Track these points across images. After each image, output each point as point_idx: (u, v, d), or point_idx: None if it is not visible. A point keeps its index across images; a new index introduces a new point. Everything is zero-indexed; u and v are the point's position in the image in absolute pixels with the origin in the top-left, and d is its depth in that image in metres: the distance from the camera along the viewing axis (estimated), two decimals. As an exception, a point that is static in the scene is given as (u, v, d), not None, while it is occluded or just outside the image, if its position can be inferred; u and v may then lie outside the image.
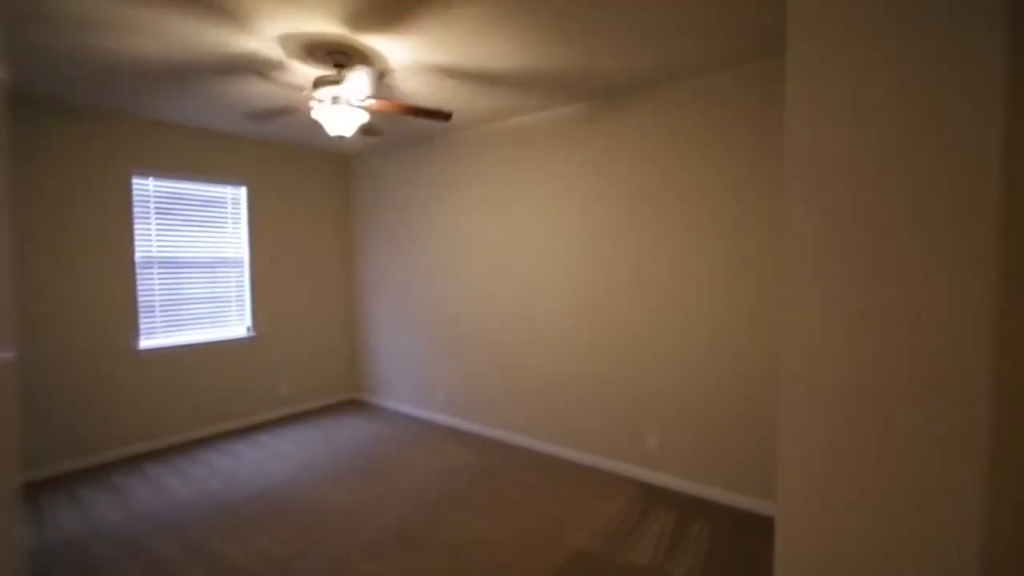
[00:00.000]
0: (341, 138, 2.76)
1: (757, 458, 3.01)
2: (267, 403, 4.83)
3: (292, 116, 3.81)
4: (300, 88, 3.12)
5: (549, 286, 3.87)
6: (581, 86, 3.25)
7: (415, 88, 3.25)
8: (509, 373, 4.17)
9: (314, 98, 2.78)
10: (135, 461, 3.86)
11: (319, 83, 2.66)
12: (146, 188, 4.05)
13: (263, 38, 2.54)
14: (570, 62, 2.85)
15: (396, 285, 5.03)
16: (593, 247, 3.62)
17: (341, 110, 2.74)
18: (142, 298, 4.05)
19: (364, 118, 2.83)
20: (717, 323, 3.11)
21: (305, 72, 2.92)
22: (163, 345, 4.14)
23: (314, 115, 2.73)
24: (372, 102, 2.83)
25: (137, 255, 4.00)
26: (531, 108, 3.72)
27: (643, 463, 3.47)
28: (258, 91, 3.27)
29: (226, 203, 4.53)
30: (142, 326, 4.05)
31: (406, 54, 2.74)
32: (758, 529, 2.84)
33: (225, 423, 4.52)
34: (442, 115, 2.99)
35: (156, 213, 4.12)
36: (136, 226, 3.99)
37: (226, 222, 4.54)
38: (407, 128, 4.25)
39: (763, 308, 2.94)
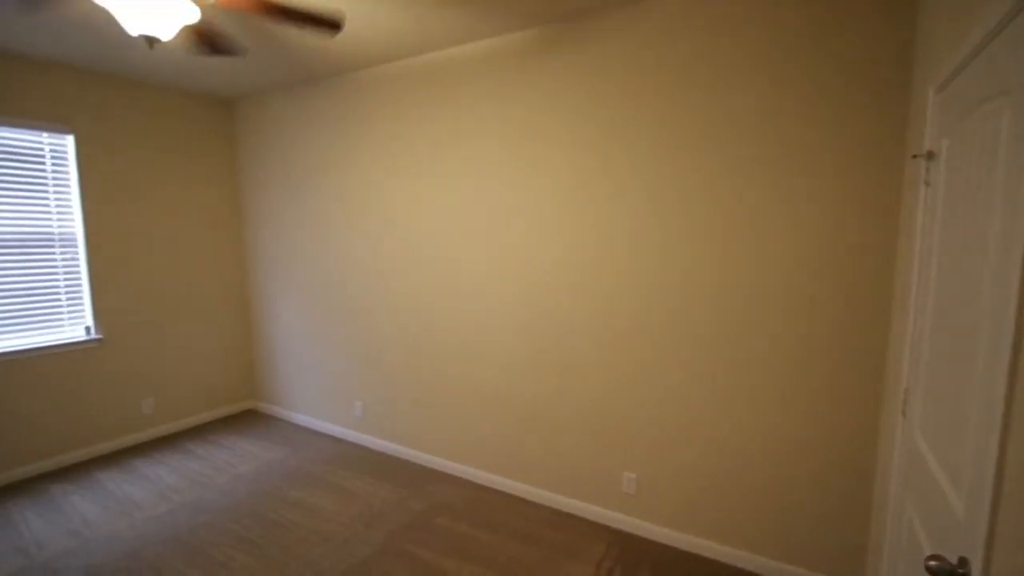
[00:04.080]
0: (152, 45, 1.65)
1: (760, 505, 2.28)
2: (124, 426, 3.67)
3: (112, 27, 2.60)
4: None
5: (500, 275, 2.94)
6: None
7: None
8: (445, 384, 3.25)
9: (99, -29, 1.65)
10: None
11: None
12: None
13: None
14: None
15: (305, 267, 3.93)
16: (555, 226, 2.71)
17: (149, -5, 1.63)
18: (-100, 293, 2.77)
19: (191, 14, 1.74)
20: (716, 330, 2.31)
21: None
22: (-57, 359, 2.89)
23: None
24: (206, -14, 1.74)
25: None
26: (480, 32, 2.70)
27: (617, 506, 2.69)
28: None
29: (43, 157, 3.23)
30: (-98, 334, 2.78)
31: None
32: (773, 605, 2.13)
33: (57, 459, 3.34)
34: (327, 22, 1.93)
35: (-82, 168, 2.80)
36: None
37: (45, 183, 3.25)
38: (318, 58, 3.11)
39: (785, 310, 2.16)
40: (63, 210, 3.33)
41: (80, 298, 3.43)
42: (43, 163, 3.23)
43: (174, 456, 3.53)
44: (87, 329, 3.46)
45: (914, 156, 1.61)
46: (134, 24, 1.66)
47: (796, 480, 2.21)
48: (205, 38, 2.09)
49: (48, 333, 3.30)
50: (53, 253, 3.30)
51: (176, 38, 2.80)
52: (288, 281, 4.02)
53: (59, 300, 3.35)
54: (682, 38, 2.25)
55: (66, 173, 3.32)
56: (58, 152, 3.28)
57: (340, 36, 2.75)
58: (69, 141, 3.31)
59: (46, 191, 3.25)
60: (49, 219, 3.27)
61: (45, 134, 3.21)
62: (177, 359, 3.93)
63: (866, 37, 1.90)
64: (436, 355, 3.25)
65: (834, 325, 2.07)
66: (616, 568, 2.35)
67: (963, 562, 0.99)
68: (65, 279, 3.36)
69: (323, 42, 2.84)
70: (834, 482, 2.13)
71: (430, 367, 3.29)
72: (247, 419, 4.24)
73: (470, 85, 2.89)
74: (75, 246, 3.39)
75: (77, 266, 3.40)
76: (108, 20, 2.56)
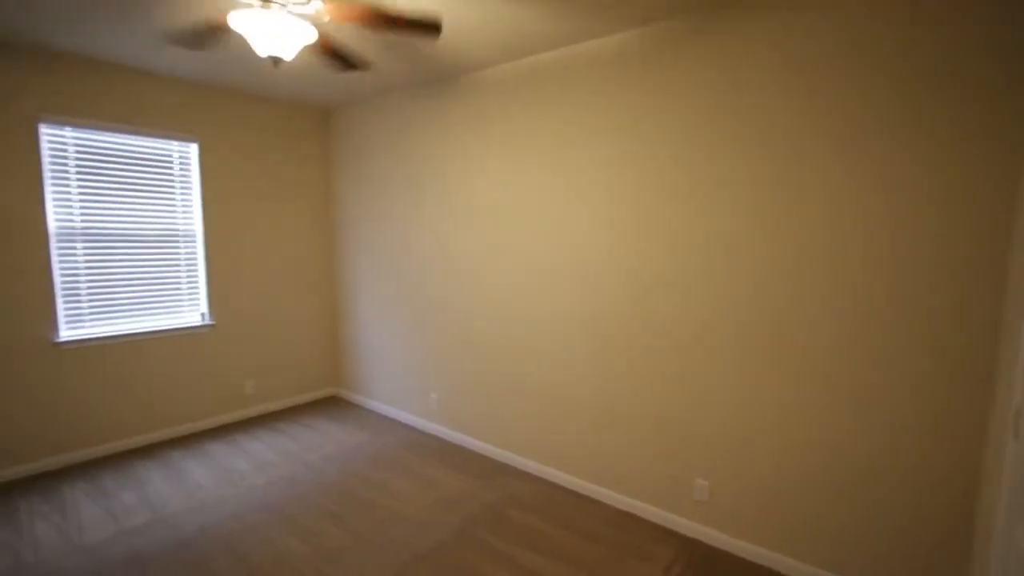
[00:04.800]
0: (276, 64, 1.87)
1: (843, 523, 2.18)
2: (229, 403, 4.08)
3: (238, 51, 2.92)
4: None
5: (576, 277, 3.01)
6: None
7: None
8: (518, 381, 3.35)
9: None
10: (52, 480, 3.13)
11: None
12: (62, 141, 3.20)
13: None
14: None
15: (386, 265, 4.19)
16: (631, 229, 2.73)
17: (275, 18, 1.85)
18: (62, 279, 3.25)
19: (310, 35, 1.94)
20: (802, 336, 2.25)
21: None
22: (91, 336, 3.36)
23: (234, 23, 1.85)
24: (322, 6, 1.94)
25: (53, 225, 3.19)
26: (577, 33, 2.79)
27: (687, 513, 2.66)
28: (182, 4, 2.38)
29: (172, 163, 3.68)
30: (62, 313, 3.27)
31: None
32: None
33: (175, 428, 3.78)
34: (429, 26, 2.08)
35: (78, 173, 3.28)
36: (51, 189, 3.17)
37: (173, 186, 3.70)
38: (401, 68, 3.33)
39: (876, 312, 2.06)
40: (186, 210, 3.77)
41: (197, 288, 3.87)
42: (171, 168, 3.68)
43: (270, 434, 3.89)
44: (202, 316, 3.89)
45: (1034, 160, 1.50)
46: (264, 47, 1.89)
47: (884, 500, 2.10)
48: (335, 53, 2.29)
49: (169, 318, 3.75)
50: (177, 248, 3.74)
51: (298, 57, 3.10)
52: (371, 277, 4.30)
53: (180, 289, 3.79)
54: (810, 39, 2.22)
55: (189, 177, 3.76)
56: (184, 158, 3.72)
57: (435, 45, 2.93)
58: (194, 149, 3.74)
59: (173, 193, 3.70)
60: (175, 218, 3.72)
61: (175, 143, 3.66)
62: (275, 346, 4.32)
63: (985, 28, 1.79)
64: (511, 353, 3.36)
65: (936, 337, 1.95)
66: (686, 574, 2.34)
67: (1079, 589, 0.94)
68: (186, 271, 3.80)
69: (416, 52, 3.03)
70: (930, 504, 2.00)
71: (504, 364, 3.40)
72: (330, 404, 4.57)
73: (550, 88, 2.98)
74: (194, 242, 3.82)
75: (195, 259, 3.84)
76: (238, 43, 2.88)
